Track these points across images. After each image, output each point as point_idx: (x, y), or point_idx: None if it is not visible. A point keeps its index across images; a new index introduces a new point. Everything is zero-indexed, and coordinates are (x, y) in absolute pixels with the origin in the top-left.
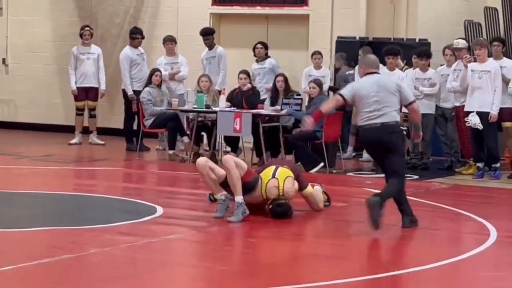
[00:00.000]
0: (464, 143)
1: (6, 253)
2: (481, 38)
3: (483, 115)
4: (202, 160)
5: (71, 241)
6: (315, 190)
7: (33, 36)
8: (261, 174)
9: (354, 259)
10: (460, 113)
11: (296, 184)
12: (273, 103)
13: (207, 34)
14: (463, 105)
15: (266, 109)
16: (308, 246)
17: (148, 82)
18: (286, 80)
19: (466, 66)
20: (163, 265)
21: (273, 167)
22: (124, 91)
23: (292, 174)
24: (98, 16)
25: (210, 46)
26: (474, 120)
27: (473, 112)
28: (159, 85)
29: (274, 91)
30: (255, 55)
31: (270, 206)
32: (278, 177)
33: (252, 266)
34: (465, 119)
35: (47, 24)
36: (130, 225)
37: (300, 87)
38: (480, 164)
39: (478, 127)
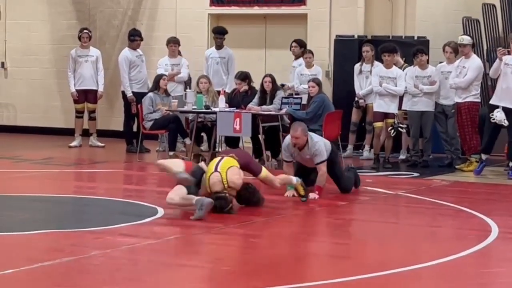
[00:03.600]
0: (465, 140)
1: (7, 256)
2: None
3: (509, 112)
4: (171, 200)
5: (72, 244)
6: (268, 175)
7: (31, 40)
8: (206, 168)
9: (356, 258)
10: (461, 109)
11: (241, 173)
12: (261, 103)
13: (221, 33)
14: (465, 102)
15: (266, 110)
16: (309, 245)
17: (154, 87)
18: (273, 80)
19: (500, 59)
20: (165, 267)
21: (218, 159)
22: (123, 93)
23: (236, 163)
24: (96, 18)
25: (220, 46)
26: (500, 116)
27: (499, 107)
28: (165, 91)
29: (262, 92)
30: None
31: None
32: (220, 170)
33: (254, 266)
34: (490, 114)
35: (45, 28)
36: (131, 227)
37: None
38: (484, 156)
39: (504, 123)
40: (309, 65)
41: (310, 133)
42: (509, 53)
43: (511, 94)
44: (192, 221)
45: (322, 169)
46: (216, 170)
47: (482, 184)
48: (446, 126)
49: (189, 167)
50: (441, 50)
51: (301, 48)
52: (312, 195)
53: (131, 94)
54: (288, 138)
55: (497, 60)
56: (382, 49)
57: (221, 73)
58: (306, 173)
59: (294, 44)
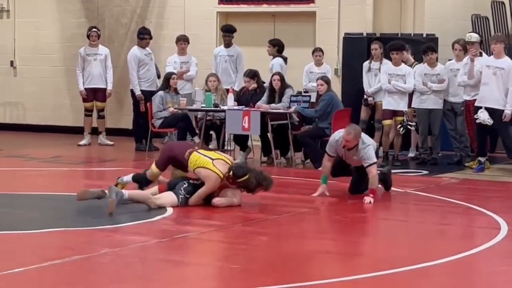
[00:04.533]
0: (474, 138)
1: (17, 254)
2: (499, 34)
3: (494, 112)
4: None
5: (81, 242)
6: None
7: (40, 38)
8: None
9: (365, 256)
10: (470, 107)
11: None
12: (270, 102)
13: (229, 31)
14: (474, 99)
15: (274, 108)
16: (319, 243)
17: (164, 86)
18: (282, 79)
19: (472, 60)
20: (174, 265)
21: (198, 154)
22: (132, 91)
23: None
24: (105, 16)
25: (228, 44)
26: (483, 116)
27: (481, 107)
28: (175, 89)
29: (271, 90)
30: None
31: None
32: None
33: (263, 264)
34: (475, 115)
35: (54, 26)
36: (141, 225)
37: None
38: (482, 159)
39: (488, 123)
40: (318, 63)
41: (362, 136)
42: (480, 55)
43: (494, 95)
44: (204, 219)
45: (372, 171)
46: (211, 158)
47: (491, 182)
48: (455, 124)
49: (163, 188)
50: (450, 47)
51: (275, 47)
52: (368, 199)
53: (140, 93)
54: (338, 134)
55: (470, 62)
56: (390, 47)
57: (229, 71)
58: (344, 167)
59: (268, 44)
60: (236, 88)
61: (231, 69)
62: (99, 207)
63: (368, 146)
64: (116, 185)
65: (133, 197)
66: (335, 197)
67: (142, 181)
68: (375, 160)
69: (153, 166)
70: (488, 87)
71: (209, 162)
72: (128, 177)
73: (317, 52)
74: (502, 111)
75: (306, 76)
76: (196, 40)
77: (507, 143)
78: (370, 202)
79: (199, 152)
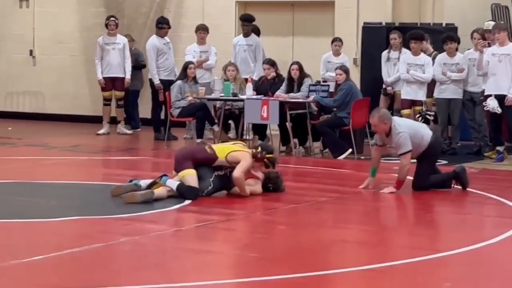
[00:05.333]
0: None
1: (36, 243)
2: (501, 22)
3: (502, 99)
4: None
5: (100, 231)
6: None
7: (59, 28)
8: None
9: (384, 245)
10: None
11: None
12: (288, 91)
13: (247, 20)
14: None
15: (293, 97)
16: (337, 232)
17: (182, 75)
18: (301, 68)
19: (481, 52)
20: (192, 253)
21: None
22: (151, 80)
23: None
24: (124, 6)
25: (247, 34)
26: (492, 104)
27: (491, 96)
28: (194, 78)
29: (289, 79)
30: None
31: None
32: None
33: (281, 253)
34: (483, 103)
35: (73, 15)
36: (159, 214)
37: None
38: (500, 148)
39: (496, 111)
40: (336, 53)
41: (397, 121)
42: (489, 45)
43: (502, 82)
44: (223, 207)
45: (403, 161)
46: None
47: (511, 171)
48: (474, 114)
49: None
50: (468, 37)
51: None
52: (388, 189)
53: (159, 82)
54: None
55: (478, 53)
56: (409, 36)
57: (248, 61)
58: None
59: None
60: (255, 78)
61: (250, 59)
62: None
63: (400, 134)
64: (154, 183)
65: (159, 197)
66: (354, 186)
67: (187, 194)
68: (407, 149)
69: (185, 172)
70: (495, 75)
71: (233, 146)
72: (171, 183)
73: (337, 42)
74: None
75: (323, 65)
76: (215, 29)
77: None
78: (390, 192)
79: (216, 145)
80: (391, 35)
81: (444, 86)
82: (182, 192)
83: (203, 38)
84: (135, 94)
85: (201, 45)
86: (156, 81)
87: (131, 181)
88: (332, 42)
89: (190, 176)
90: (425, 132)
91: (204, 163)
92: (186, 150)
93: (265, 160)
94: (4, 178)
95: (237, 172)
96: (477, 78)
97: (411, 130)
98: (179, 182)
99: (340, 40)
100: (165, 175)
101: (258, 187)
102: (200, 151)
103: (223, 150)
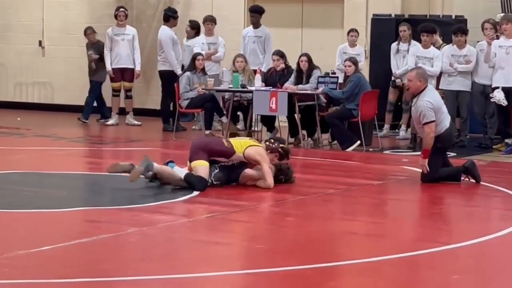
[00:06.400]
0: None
1: (45, 233)
2: (509, 14)
3: (510, 91)
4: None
5: (108, 221)
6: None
7: (68, 18)
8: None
9: (392, 237)
10: None
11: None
12: (297, 83)
13: (256, 12)
14: None
15: (302, 89)
16: (345, 224)
17: (190, 67)
18: (309, 60)
19: (489, 44)
20: (200, 244)
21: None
22: (160, 72)
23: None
24: None
25: (255, 25)
26: (498, 96)
27: (498, 88)
28: (202, 69)
29: (298, 71)
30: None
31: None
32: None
33: (289, 245)
34: (490, 94)
35: (82, 6)
36: (167, 205)
37: (335, 64)
38: (508, 140)
39: (502, 103)
40: (352, 44)
41: (432, 90)
42: (497, 38)
43: (509, 74)
44: (231, 199)
45: (426, 130)
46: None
47: None
48: (485, 106)
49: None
50: (478, 29)
51: (193, 30)
52: (421, 161)
53: (181, 72)
54: None
55: (486, 45)
56: (421, 29)
57: (257, 52)
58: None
59: (187, 24)
60: (264, 69)
61: (259, 50)
62: (126, 187)
63: (427, 102)
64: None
65: (161, 173)
66: (361, 178)
67: (196, 184)
68: (431, 119)
69: (197, 162)
70: (503, 68)
71: (250, 141)
72: (179, 171)
73: (353, 32)
74: None
75: (339, 56)
76: (224, 21)
77: None
78: (422, 164)
79: (233, 139)
80: (401, 27)
81: (452, 78)
82: (191, 182)
83: (211, 30)
84: (99, 86)
85: (209, 37)
86: (179, 72)
87: (167, 163)
88: (348, 33)
89: (202, 167)
90: (446, 119)
91: (220, 156)
92: (203, 141)
93: (280, 150)
94: (12, 168)
95: (268, 181)
96: (489, 70)
97: (436, 107)
98: (187, 172)
99: (356, 31)
100: (171, 161)
101: (270, 180)
102: (218, 143)
103: (241, 145)
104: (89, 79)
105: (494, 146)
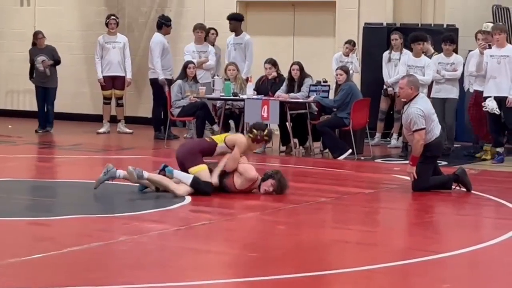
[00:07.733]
0: (476, 128)
1: (36, 241)
2: (500, 23)
3: (501, 100)
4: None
5: (100, 229)
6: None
7: (60, 26)
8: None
9: (383, 245)
10: (478, 98)
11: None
12: (289, 91)
13: (230, 19)
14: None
15: (293, 97)
16: (337, 232)
17: (182, 75)
18: (301, 68)
19: (481, 53)
20: (192, 252)
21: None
22: (151, 80)
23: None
24: (125, 5)
25: (235, 32)
26: (491, 105)
27: (490, 97)
28: (194, 78)
29: (290, 79)
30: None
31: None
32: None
33: (281, 253)
34: (482, 103)
35: (74, 14)
36: (159, 213)
37: (331, 72)
38: (499, 149)
39: (495, 112)
40: (346, 54)
41: (423, 98)
42: (490, 47)
43: (501, 84)
44: (223, 207)
45: (416, 137)
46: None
47: (510, 173)
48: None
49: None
50: (470, 38)
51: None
52: (409, 169)
53: (163, 77)
54: None
55: (478, 55)
56: (412, 38)
57: (238, 59)
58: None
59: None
60: (244, 76)
61: (240, 57)
62: (118, 194)
63: (417, 109)
64: (159, 172)
65: (151, 180)
66: (354, 187)
67: (204, 189)
68: (421, 126)
69: (197, 168)
70: (495, 78)
71: (226, 134)
72: (182, 176)
73: (348, 44)
74: None
75: (335, 63)
76: (216, 29)
77: None
78: (410, 172)
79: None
80: (392, 36)
81: (439, 85)
82: (199, 187)
83: (201, 37)
84: (55, 92)
85: (199, 44)
86: (162, 77)
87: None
88: (345, 43)
89: (203, 171)
90: (436, 128)
91: (208, 152)
92: (190, 145)
93: (265, 138)
94: (4, 176)
95: (229, 164)
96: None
97: (427, 115)
98: (194, 176)
99: (354, 44)
100: (166, 165)
101: (248, 165)
102: (202, 141)
103: (221, 137)
104: (42, 86)
105: (476, 154)
